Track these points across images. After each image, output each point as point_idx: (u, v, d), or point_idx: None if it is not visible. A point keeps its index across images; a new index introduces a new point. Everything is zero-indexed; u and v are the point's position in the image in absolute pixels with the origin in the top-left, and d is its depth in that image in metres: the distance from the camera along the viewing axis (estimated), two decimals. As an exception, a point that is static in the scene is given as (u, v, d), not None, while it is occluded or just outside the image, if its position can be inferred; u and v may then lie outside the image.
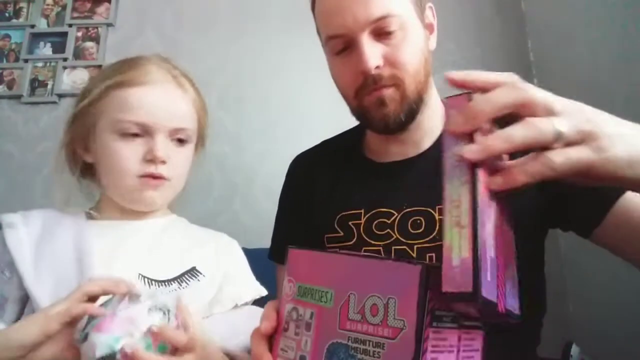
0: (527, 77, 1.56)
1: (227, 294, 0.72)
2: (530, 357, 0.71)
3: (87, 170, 0.76)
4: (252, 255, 0.84)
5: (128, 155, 0.69)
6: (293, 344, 0.39)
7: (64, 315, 0.51)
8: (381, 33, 0.65)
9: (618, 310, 1.14)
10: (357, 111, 0.72)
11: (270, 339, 0.43)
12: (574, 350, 0.72)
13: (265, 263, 0.82)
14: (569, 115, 0.35)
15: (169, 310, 0.53)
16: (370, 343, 0.33)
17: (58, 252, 0.67)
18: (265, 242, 0.86)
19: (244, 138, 1.53)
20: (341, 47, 0.68)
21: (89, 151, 0.74)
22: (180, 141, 0.74)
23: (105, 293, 0.54)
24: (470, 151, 0.32)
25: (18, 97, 1.58)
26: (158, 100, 0.71)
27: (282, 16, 1.64)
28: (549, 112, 0.34)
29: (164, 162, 0.70)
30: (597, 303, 1.23)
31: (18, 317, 0.63)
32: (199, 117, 0.78)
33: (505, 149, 0.33)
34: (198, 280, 0.70)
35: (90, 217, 0.74)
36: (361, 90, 0.68)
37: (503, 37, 1.61)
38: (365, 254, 0.35)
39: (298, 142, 0.93)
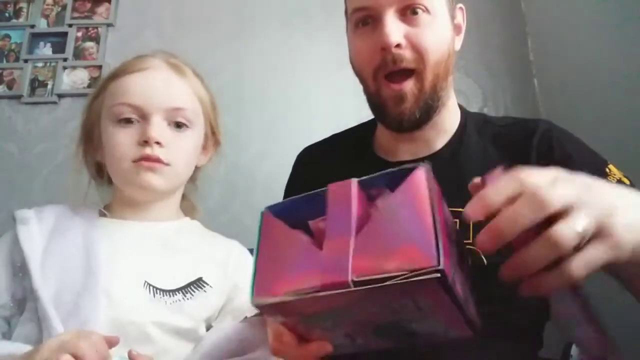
0: (527, 77, 1.56)
1: (238, 306, 0.71)
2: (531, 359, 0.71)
3: (103, 171, 0.76)
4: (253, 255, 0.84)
5: (123, 140, 0.68)
6: (333, 335, 0.38)
7: None
8: (407, 13, 0.64)
9: (618, 310, 1.14)
10: (374, 101, 0.70)
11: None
12: (574, 350, 0.72)
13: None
14: (585, 207, 0.34)
15: None
16: (409, 315, 0.33)
17: (66, 251, 0.65)
18: (265, 242, 0.86)
19: (244, 138, 1.53)
20: (364, 19, 0.66)
21: (98, 150, 0.74)
22: (179, 125, 0.71)
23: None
24: (506, 275, 0.33)
25: (18, 97, 1.58)
26: (152, 82, 0.70)
27: (282, 16, 1.64)
28: (568, 212, 0.33)
29: (159, 143, 0.68)
30: (596, 303, 1.23)
31: (14, 316, 0.63)
32: (203, 106, 0.76)
33: (533, 270, 0.33)
34: (204, 291, 0.69)
35: (102, 214, 0.73)
36: (379, 71, 0.66)
37: (503, 37, 1.61)
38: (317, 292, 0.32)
39: (298, 142, 0.93)
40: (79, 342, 0.49)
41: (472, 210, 0.33)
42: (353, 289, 0.30)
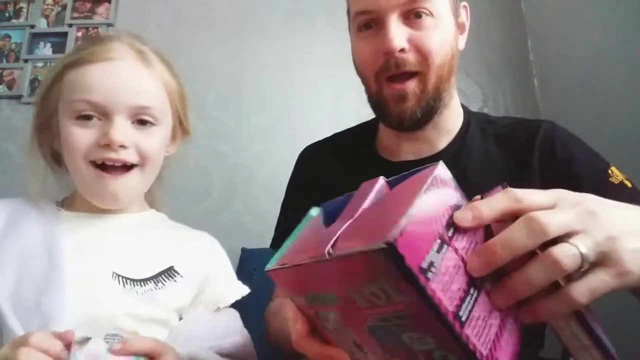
0: (527, 77, 1.56)
1: (210, 296, 0.70)
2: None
3: (61, 159, 0.70)
4: (252, 255, 0.84)
5: (81, 140, 0.62)
6: (339, 337, 0.38)
7: None
8: (411, 16, 0.63)
9: (618, 310, 1.14)
10: (375, 100, 0.69)
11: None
12: (574, 350, 0.71)
13: (266, 263, 0.82)
14: (588, 232, 0.32)
15: (121, 337, 0.51)
16: (395, 316, 0.31)
17: (23, 247, 0.62)
18: (266, 242, 0.86)
19: (244, 138, 1.53)
20: (366, 23, 0.66)
21: (55, 137, 0.67)
22: (144, 123, 0.65)
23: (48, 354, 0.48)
24: (498, 299, 0.31)
25: (18, 97, 1.58)
26: (115, 77, 0.63)
27: (282, 16, 1.65)
28: (570, 234, 0.31)
29: (123, 146, 0.62)
30: (597, 303, 1.23)
31: None
32: (170, 98, 0.70)
33: (528, 293, 0.31)
34: (175, 280, 0.67)
35: (61, 208, 0.69)
36: (381, 74, 0.66)
37: (503, 37, 1.61)
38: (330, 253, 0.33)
39: (298, 142, 0.93)
40: (19, 356, 0.45)
41: (462, 217, 0.31)
42: (326, 258, 0.31)
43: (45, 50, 1.64)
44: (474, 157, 0.70)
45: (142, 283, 0.64)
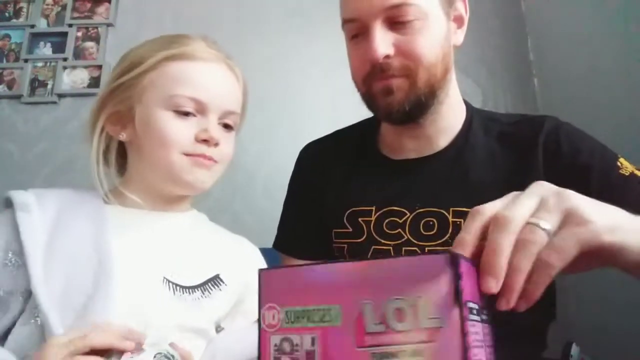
0: (527, 77, 1.56)
1: (250, 306, 0.68)
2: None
3: (110, 151, 0.69)
4: (252, 255, 0.84)
5: (182, 132, 0.64)
6: None
7: None
8: (396, 22, 0.63)
9: (618, 310, 1.14)
10: (365, 97, 0.70)
11: None
12: (574, 350, 0.71)
13: (267, 262, 0.82)
14: (549, 205, 0.34)
15: (172, 356, 0.52)
16: (404, 354, 0.29)
17: (73, 248, 0.60)
18: (266, 242, 0.86)
19: (244, 138, 1.52)
20: (355, 32, 0.67)
21: (124, 128, 0.67)
22: (227, 126, 0.69)
23: (111, 348, 0.50)
24: (503, 303, 0.32)
25: (18, 97, 1.58)
26: (215, 78, 0.67)
27: (281, 16, 1.65)
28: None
29: (217, 144, 0.65)
30: (597, 303, 1.23)
31: (21, 313, 0.57)
32: (244, 105, 0.74)
33: (519, 280, 0.32)
34: (220, 289, 0.66)
35: (108, 202, 0.67)
36: (369, 78, 0.66)
37: (503, 37, 1.61)
38: (363, 258, 0.32)
39: (298, 142, 0.93)
40: (93, 334, 0.47)
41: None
42: (390, 256, 0.32)
43: (45, 50, 1.64)
44: (477, 156, 0.70)
45: (190, 290, 0.62)
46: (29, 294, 0.57)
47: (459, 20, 0.70)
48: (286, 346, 0.33)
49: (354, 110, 0.76)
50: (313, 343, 0.32)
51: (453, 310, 0.28)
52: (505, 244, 0.32)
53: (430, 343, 0.28)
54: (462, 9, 0.70)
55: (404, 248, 0.66)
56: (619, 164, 0.63)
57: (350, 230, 0.71)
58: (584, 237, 0.33)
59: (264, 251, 0.85)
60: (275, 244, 0.83)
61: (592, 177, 0.62)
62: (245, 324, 0.67)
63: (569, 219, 0.33)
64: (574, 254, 0.32)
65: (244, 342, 0.62)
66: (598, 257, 0.34)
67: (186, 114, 0.64)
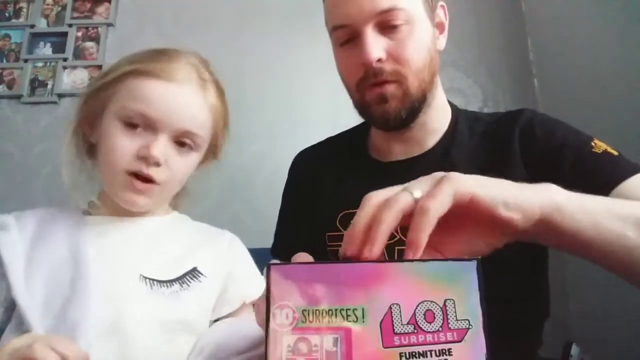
0: (527, 77, 1.56)
1: (234, 294, 0.71)
2: (531, 358, 0.71)
3: (93, 152, 0.72)
4: (253, 255, 0.84)
5: (123, 144, 0.64)
6: None
7: None
8: (386, 26, 0.64)
9: (618, 310, 1.14)
10: (359, 105, 0.72)
11: None
12: (574, 350, 0.72)
13: (266, 262, 0.82)
14: (420, 181, 0.39)
15: None
16: (432, 353, 0.30)
17: (51, 257, 0.63)
18: (266, 242, 0.86)
19: (244, 138, 1.53)
20: (346, 38, 0.67)
21: (94, 130, 0.70)
22: (183, 145, 0.68)
23: None
24: (366, 251, 0.36)
25: (18, 97, 1.58)
26: (174, 99, 0.66)
27: (281, 16, 1.65)
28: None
29: (157, 164, 0.65)
30: (597, 303, 1.23)
31: (5, 324, 0.59)
32: (215, 128, 0.73)
33: (383, 229, 0.36)
34: (199, 281, 0.68)
35: (87, 213, 0.71)
36: (362, 83, 0.67)
37: (503, 37, 1.61)
38: (387, 259, 0.34)
39: (298, 142, 0.93)
40: (34, 346, 0.46)
41: (344, 248, 0.37)
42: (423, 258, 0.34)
43: (45, 50, 1.64)
44: (462, 155, 0.71)
45: (168, 284, 0.65)
46: (11, 304, 0.59)
47: (440, 27, 0.73)
48: (303, 347, 0.32)
49: (354, 110, 0.76)
50: (335, 343, 0.31)
51: (480, 311, 0.30)
52: (387, 216, 0.36)
53: (459, 343, 0.30)
54: (442, 15, 0.74)
55: (396, 248, 0.66)
56: (592, 143, 0.64)
57: (343, 232, 0.71)
58: (457, 186, 0.36)
59: (264, 251, 0.85)
60: (272, 251, 0.84)
61: (565, 155, 0.63)
62: (234, 318, 0.69)
63: (444, 178, 0.37)
64: (448, 200, 0.35)
65: (231, 337, 0.63)
66: (493, 226, 0.38)
67: (134, 126, 0.65)
